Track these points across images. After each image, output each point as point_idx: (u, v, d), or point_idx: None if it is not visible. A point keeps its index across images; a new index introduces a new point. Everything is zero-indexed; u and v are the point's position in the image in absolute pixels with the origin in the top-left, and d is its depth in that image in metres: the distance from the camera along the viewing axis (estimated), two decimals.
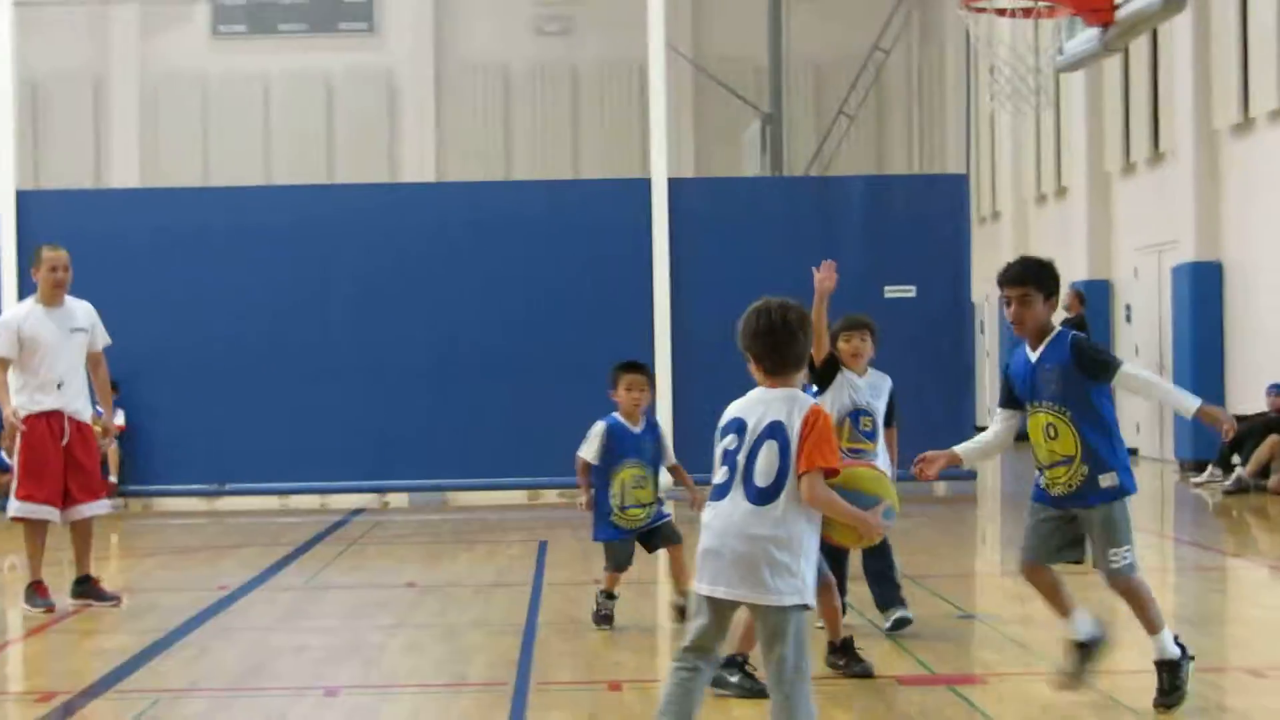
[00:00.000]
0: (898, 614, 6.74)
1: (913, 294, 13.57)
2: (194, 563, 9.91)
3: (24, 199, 13.85)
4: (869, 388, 6.86)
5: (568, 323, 13.73)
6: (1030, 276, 5.18)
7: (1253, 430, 13.92)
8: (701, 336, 13.03)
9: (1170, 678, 5.05)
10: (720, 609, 3.56)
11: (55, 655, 6.83)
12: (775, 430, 3.48)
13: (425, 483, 13.59)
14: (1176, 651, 5.07)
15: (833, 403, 6.61)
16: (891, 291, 13.43)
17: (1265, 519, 12.43)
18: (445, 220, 14.11)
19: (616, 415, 6.96)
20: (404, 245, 13.76)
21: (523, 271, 13.77)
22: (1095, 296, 18.15)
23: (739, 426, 3.56)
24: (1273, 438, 13.46)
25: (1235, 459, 13.92)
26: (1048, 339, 5.13)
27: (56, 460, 8.18)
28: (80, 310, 8.64)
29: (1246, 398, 14.93)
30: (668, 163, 14.14)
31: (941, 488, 14.15)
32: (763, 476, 3.43)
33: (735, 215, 14.13)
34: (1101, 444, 5.10)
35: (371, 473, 13.29)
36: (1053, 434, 5.05)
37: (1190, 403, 5.08)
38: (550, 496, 13.31)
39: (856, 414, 6.71)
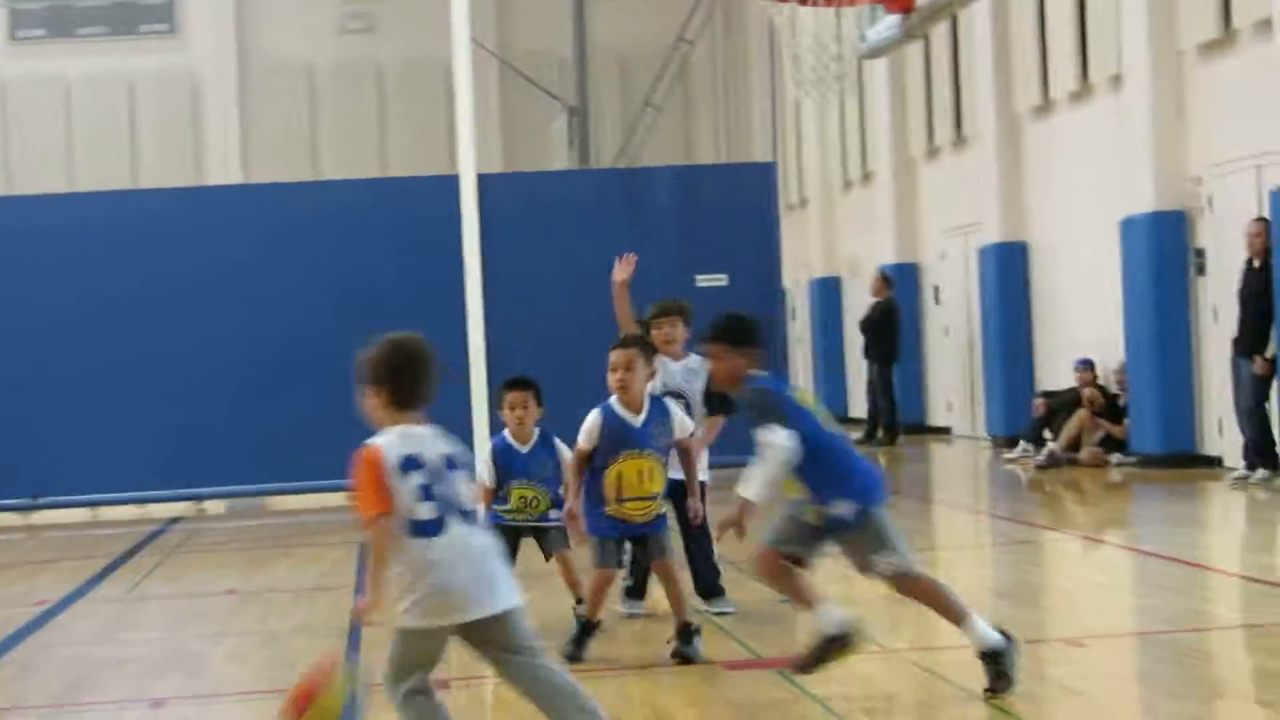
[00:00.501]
0: (719, 606, 6.83)
1: (724, 282, 13.54)
2: (9, 578, 9.86)
3: None
4: (683, 371, 6.95)
5: (381, 322, 13.14)
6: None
7: (1062, 405, 14.18)
8: (515, 332, 13.00)
9: (995, 667, 4.97)
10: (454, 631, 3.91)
11: None
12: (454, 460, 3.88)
13: (242, 488, 13.45)
14: (996, 638, 5.04)
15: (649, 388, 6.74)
16: (704, 280, 13.43)
17: (1078, 491, 12.65)
18: (253, 222, 13.87)
19: (505, 435, 6.75)
20: (212, 249, 13.50)
21: (333, 272, 13.59)
22: (904, 279, 18.32)
23: (422, 463, 3.84)
24: (1081, 412, 13.67)
25: (1046, 434, 14.08)
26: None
27: None
28: None
29: (1055, 374, 15.21)
30: (475, 159, 13.97)
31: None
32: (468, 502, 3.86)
33: (545, 209, 14.05)
34: (818, 479, 5.33)
35: (187, 480, 13.06)
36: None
37: (743, 491, 5.28)
38: None
39: (666, 398, 6.80)
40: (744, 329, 5.55)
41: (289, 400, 13.05)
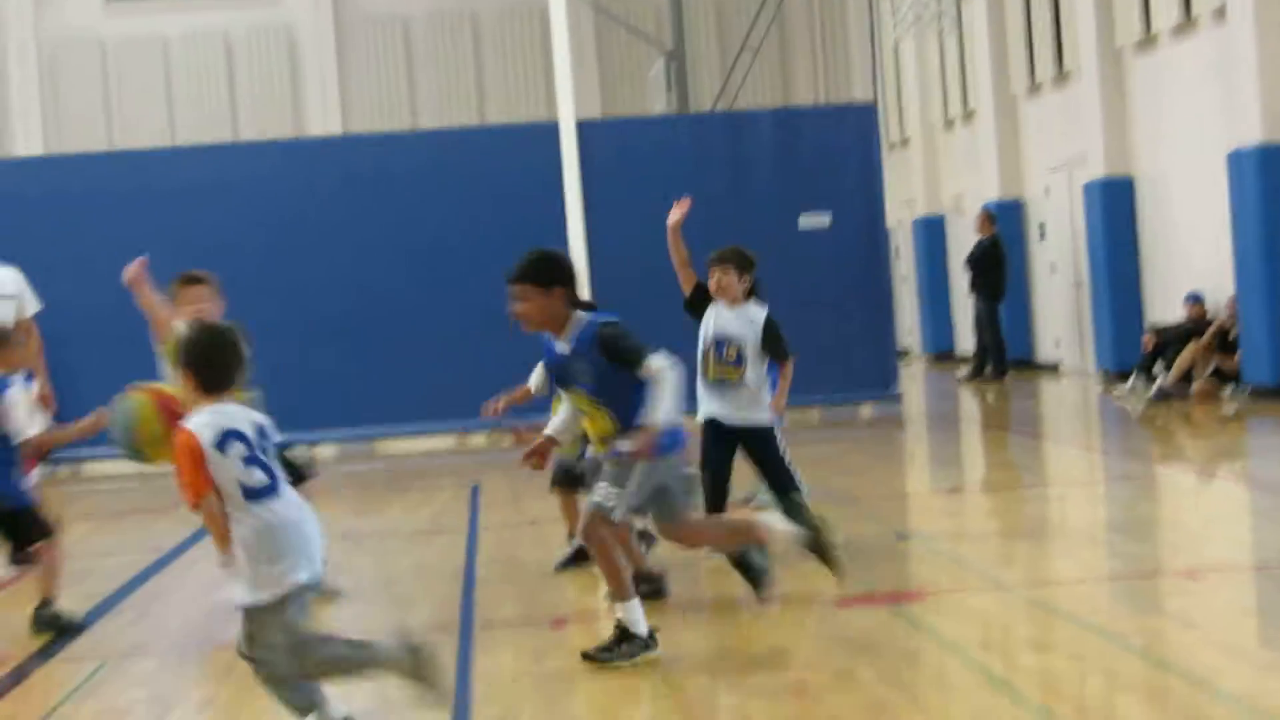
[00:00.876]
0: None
1: (827, 224, 13.46)
2: (127, 526, 9.97)
3: None
4: (736, 318, 6.87)
5: (483, 269, 13.77)
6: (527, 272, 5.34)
7: (1172, 339, 13.82)
8: (617, 277, 12.95)
9: (618, 639, 4.95)
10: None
11: None
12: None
13: (353, 431, 13.63)
14: (642, 629, 5.01)
15: (701, 333, 6.83)
16: (806, 221, 13.36)
17: (1189, 425, 12.40)
18: (353, 172, 13.95)
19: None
20: (313, 199, 13.67)
21: (436, 220, 13.65)
22: (1008, 217, 18.04)
23: (244, 436, 3.99)
24: (1192, 345, 13.23)
25: (1157, 368, 13.79)
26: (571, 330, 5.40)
27: None
28: (7, 277, 8.53)
29: (1165, 309, 14.95)
30: (574, 105, 14.10)
31: (868, 411, 14.34)
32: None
33: (645, 155, 13.98)
34: (627, 413, 5.29)
35: (298, 424, 13.16)
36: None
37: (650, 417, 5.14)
38: (479, 440, 13.47)
39: (720, 343, 6.83)
40: (552, 267, 5.28)
41: (395, 346, 13.32)
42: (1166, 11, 14.46)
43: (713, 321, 6.86)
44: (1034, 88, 18.04)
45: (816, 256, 13.58)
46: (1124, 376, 14.56)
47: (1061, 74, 17.04)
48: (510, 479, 10.16)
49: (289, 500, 4.00)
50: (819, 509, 6.71)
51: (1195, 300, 13.54)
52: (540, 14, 16.45)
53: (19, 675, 5.64)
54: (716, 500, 6.86)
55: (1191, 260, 14.53)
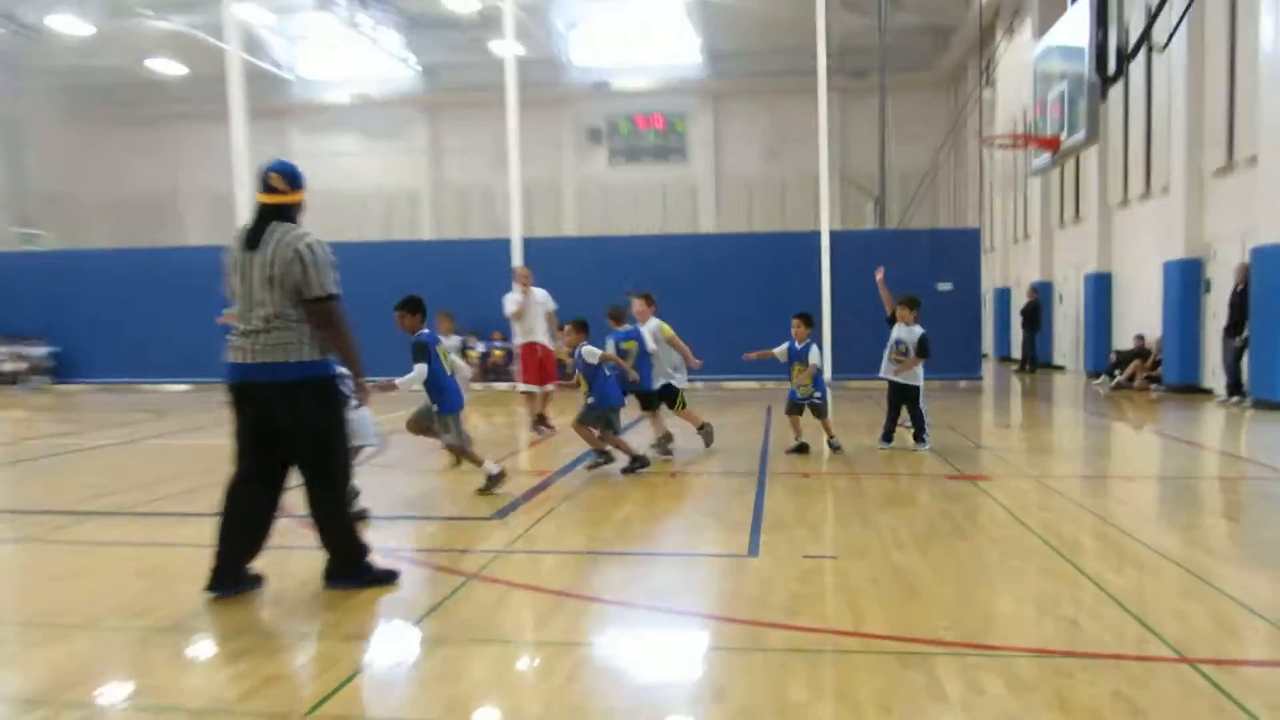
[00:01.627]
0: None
1: (951, 287, 18.61)
2: None
3: None
4: (906, 331, 9.50)
5: (762, 320, 17.64)
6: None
7: (1125, 357, 17.76)
8: (850, 319, 17.73)
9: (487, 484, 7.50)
10: None
11: None
12: None
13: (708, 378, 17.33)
14: (494, 470, 7.57)
15: (891, 337, 9.50)
16: (941, 286, 18.54)
17: (1131, 402, 15.26)
18: (698, 258, 19.57)
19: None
20: (686, 273, 18.98)
21: (740, 282, 19.22)
22: (1044, 291, 23.79)
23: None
24: (1136, 361, 17.40)
25: (1116, 372, 17.68)
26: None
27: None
28: (540, 295, 11.95)
29: (1122, 340, 18.46)
30: (829, 224, 19.77)
31: (964, 384, 18.32)
32: None
33: (860, 249, 18.78)
34: (436, 393, 7.66)
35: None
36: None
37: (400, 381, 7.13)
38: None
39: (898, 343, 9.51)
40: (416, 303, 7.25)
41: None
42: (1135, 185, 18.93)
43: (895, 332, 9.48)
44: (1063, 224, 23.28)
45: (946, 304, 18.42)
46: (1098, 375, 18.88)
47: (1078, 218, 21.97)
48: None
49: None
50: (939, 437, 9.95)
51: (1139, 337, 17.85)
52: (814, 178, 22.08)
53: None
54: (890, 423, 9.75)
55: (1138, 315, 18.59)
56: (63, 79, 34.64)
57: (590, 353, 8.47)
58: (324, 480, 5.08)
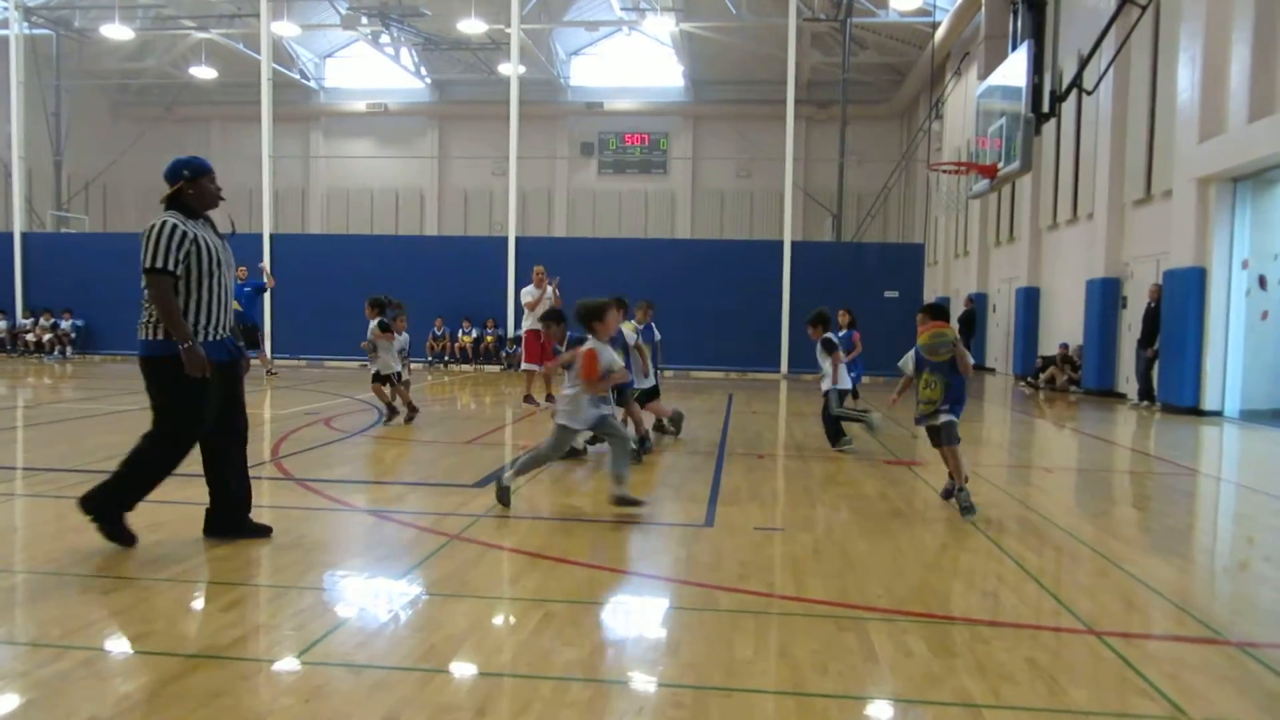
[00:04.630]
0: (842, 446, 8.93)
1: (897, 295, 19.00)
2: None
3: None
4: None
5: (738, 318, 18.87)
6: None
7: (1049, 362, 18.04)
8: (801, 323, 17.58)
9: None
10: None
11: None
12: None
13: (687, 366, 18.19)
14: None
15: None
16: (888, 293, 18.92)
17: (1052, 402, 15.65)
18: (669, 261, 20.69)
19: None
20: (661, 272, 19.25)
21: (710, 286, 19.46)
22: (981, 302, 23.92)
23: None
24: (1054, 366, 17.84)
25: (1041, 375, 18.11)
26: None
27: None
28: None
29: (1048, 347, 18.84)
30: (790, 234, 19.92)
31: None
32: None
33: (820, 261, 19.56)
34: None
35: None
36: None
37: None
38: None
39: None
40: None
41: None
42: (1064, 210, 19.21)
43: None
44: (998, 243, 23.66)
45: (889, 309, 18.88)
46: (1024, 377, 19.50)
47: (1011, 238, 22.34)
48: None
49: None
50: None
51: (1063, 345, 18.35)
52: (779, 194, 22.65)
53: None
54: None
55: (1063, 326, 19.27)
56: (107, 80, 34.49)
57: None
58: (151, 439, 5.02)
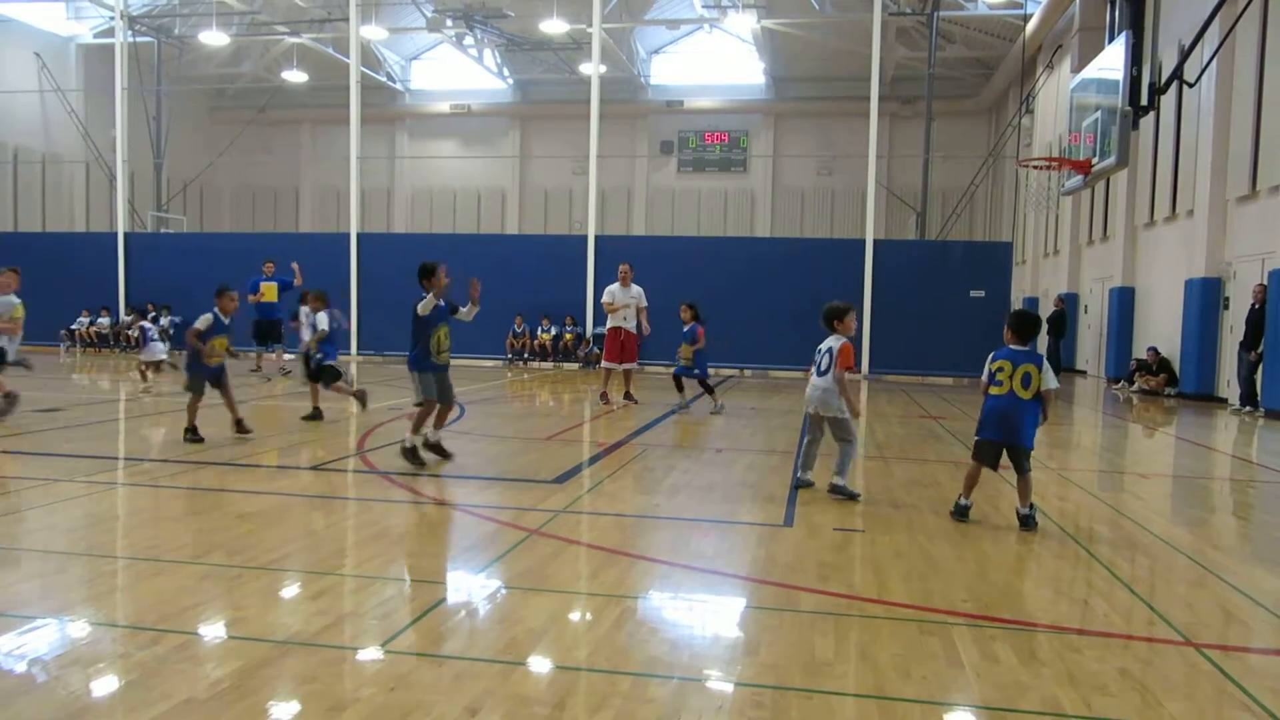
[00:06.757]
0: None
1: (984, 294, 18.56)
2: None
3: None
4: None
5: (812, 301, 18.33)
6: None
7: (1142, 365, 17.81)
8: (887, 315, 18.22)
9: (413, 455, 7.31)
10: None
11: None
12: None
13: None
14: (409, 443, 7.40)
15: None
16: (974, 293, 18.53)
17: (1147, 406, 15.65)
18: (754, 257, 19.60)
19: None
20: (735, 273, 19.36)
21: (796, 288, 19.18)
22: (1071, 302, 23.29)
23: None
24: (1136, 373, 17.46)
25: (1135, 377, 17.89)
26: None
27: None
28: (638, 291, 12.98)
29: (1141, 350, 18.33)
30: (872, 233, 19.69)
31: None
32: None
33: (905, 259, 19.25)
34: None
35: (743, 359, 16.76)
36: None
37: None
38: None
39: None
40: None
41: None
42: (1161, 207, 19.12)
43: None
44: (1091, 241, 23.10)
45: (976, 309, 18.54)
46: (1118, 380, 19.36)
47: (1105, 236, 21.74)
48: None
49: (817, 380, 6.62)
50: (966, 429, 8.55)
51: (1153, 350, 18.28)
52: (861, 193, 22.85)
53: None
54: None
55: (1159, 327, 18.92)
56: (205, 85, 35.73)
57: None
58: None
